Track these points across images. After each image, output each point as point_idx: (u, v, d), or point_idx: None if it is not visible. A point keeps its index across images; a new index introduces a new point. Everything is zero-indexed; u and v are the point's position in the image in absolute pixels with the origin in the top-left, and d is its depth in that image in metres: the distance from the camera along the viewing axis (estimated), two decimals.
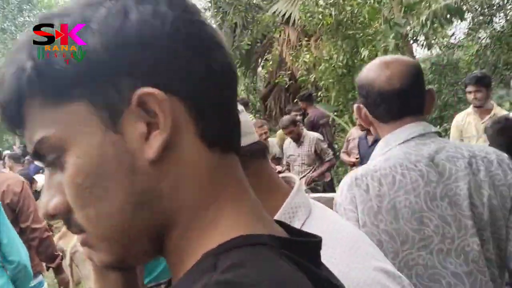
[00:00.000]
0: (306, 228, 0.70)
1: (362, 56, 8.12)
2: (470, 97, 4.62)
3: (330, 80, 8.61)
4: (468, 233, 1.27)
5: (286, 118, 5.97)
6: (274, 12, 11.84)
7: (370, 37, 8.08)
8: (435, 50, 12.21)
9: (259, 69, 13.76)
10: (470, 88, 4.58)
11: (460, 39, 11.36)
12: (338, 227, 0.83)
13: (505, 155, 1.37)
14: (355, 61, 8.32)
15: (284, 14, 11.61)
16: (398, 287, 0.76)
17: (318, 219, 0.83)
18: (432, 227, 1.27)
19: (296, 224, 0.79)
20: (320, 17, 8.50)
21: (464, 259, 1.26)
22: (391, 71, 1.34)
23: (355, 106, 1.47)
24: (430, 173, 1.29)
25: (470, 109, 4.76)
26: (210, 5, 13.19)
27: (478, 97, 4.54)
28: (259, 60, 13.34)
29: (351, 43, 8.28)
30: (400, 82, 1.33)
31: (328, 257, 0.62)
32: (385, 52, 7.82)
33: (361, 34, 8.23)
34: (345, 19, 8.27)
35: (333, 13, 8.25)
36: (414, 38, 7.93)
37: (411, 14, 7.65)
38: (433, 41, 10.55)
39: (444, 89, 10.01)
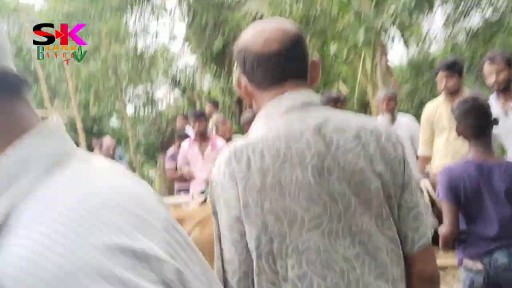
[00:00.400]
0: (35, 189, 0.53)
1: (332, 52, 7.79)
2: (441, 84, 4.19)
3: None
4: (357, 211, 1.17)
5: (247, 113, 5.61)
6: (246, 12, 11.51)
7: (339, 32, 7.73)
8: (411, 49, 11.98)
9: (235, 70, 13.42)
10: (441, 74, 4.17)
11: (435, 34, 11.13)
12: (83, 189, 0.55)
13: (392, 129, 1.26)
14: (325, 57, 7.97)
15: (256, 14, 11.29)
16: (134, 275, 0.50)
17: (63, 177, 0.55)
18: (322, 204, 1.15)
19: (23, 183, 0.53)
20: (288, 13, 8.15)
21: (351, 240, 1.17)
22: (269, 33, 1.25)
23: (236, 78, 1.35)
24: (318, 144, 1.18)
25: (441, 98, 4.36)
26: (180, 4, 12.81)
27: (450, 84, 4.13)
28: (233, 61, 12.99)
29: (321, 39, 7.93)
30: (279, 44, 1.24)
31: (37, 234, 0.48)
32: (355, 47, 7.53)
33: (330, 29, 7.88)
34: (314, 14, 7.92)
35: (301, 7, 7.90)
36: (385, 31, 7.58)
37: (381, 8, 7.33)
38: (408, 38, 10.26)
39: (420, 87, 9.75)
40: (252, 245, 1.15)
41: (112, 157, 6.01)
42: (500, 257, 2.35)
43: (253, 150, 1.18)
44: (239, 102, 12.82)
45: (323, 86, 8.21)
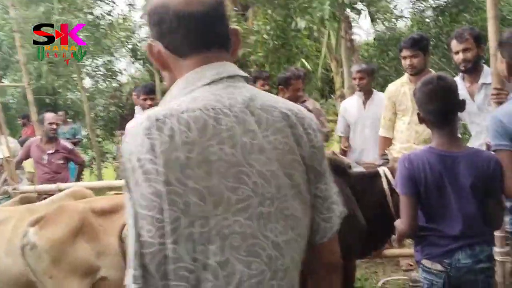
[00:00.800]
0: None
1: (298, 27, 7.44)
2: (405, 63, 3.94)
3: (261, 54, 7.84)
4: (288, 194, 1.13)
5: None
6: None
7: (305, 5, 7.36)
8: (379, 27, 11.73)
9: None
10: (405, 53, 3.91)
11: (402, 9, 10.92)
12: None
13: (312, 114, 1.24)
14: (288, 31, 7.60)
15: None
16: None
17: None
18: (251, 185, 1.08)
19: None
20: None
21: (284, 225, 1.12)
22: None
23: (146, 44, 1.22)
24: (248, 121, 1.11)
25: (405, 77, 4.11)
26: None
27: (414, 63, 3.88)
28: None
29: (284, 12, 7.54)
30: (201, 4, 1.15)
31: None
32: (322, 21, 7.19)
33: (295, 2, 7.50)
34: None
35: None
36: (351, 6, 7.26)
37: None
38: (375, 14, 10.00)
39: (386, 65, 9.55)
40: (168, 228, 1.03)
41: (54, 134, 5.55)
42: (463, 258, 2.12)
43: (178, 119, 1.05)
44: None
45: (286, 61, 7.86)
